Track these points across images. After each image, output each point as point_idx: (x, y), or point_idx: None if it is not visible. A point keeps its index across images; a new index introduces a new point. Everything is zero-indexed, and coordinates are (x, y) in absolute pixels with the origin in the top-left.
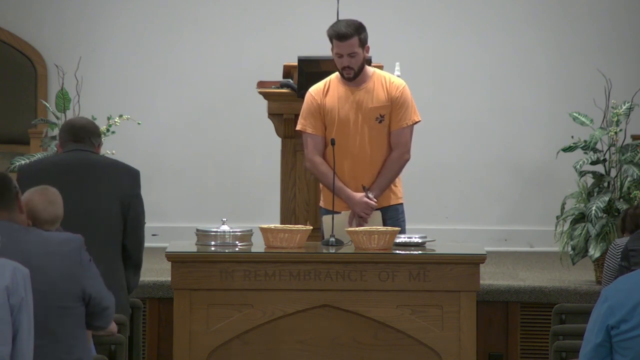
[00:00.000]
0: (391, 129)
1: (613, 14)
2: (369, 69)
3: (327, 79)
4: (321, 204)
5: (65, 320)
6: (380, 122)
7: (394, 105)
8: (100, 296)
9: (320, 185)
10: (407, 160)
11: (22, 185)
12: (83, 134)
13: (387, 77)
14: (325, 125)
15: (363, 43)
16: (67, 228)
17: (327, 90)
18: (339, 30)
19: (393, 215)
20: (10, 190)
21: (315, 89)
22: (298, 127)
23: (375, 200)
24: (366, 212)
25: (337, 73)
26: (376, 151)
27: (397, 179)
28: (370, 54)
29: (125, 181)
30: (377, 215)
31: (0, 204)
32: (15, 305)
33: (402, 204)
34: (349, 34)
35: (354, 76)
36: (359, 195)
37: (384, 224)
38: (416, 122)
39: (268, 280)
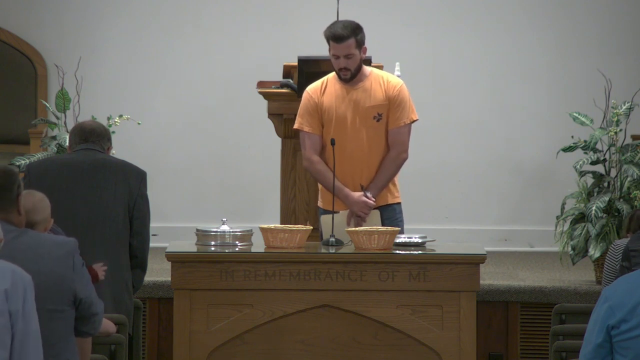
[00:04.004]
0: (389, 127)
1: (613, 14)
2: (367, 68)
3: (325, 77)
4: (319, 203)
5: (55, 323)
6: (377, 121)
7: (392, 104)
8: (90, 301)
9: (319, 185)
10: (405, 159)
11: (30, 182)
12: (93, 137)
13: (384, 77)
14: (323, 124)
15: (360, 44)
16: (74, 226)
17: (324, 88)
18: (336, 31)
19: (391, 215)
20: (9, 190)
21: (313, 88)
22: (295, 126)
23: (373, 199)
24: (364, 212)
25: (334, 72)
26: (374, 150)
27: (394, 178)
28: (371, 53)
29: (132, 181)
30: (376, 214)
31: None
32: (15, 311)
33: (399, 203)
34: (346, 35)
35: (350, 77)
36: (357, 194)
37: (382, 224)
38: (414, 121)
39: (268, 280)
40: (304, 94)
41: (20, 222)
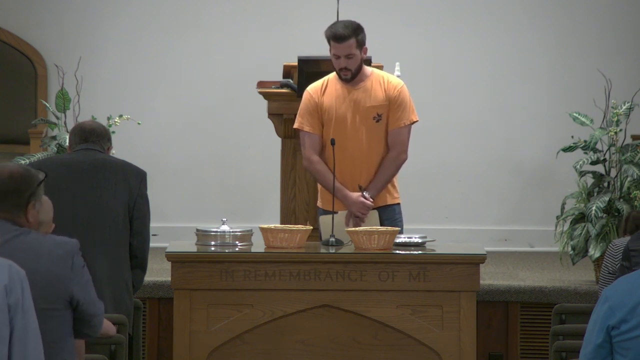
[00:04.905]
0: (389, 128)
1: (613, 14)
2: (367, 69)
3: (326, 77)
4: (319, 203)
5: (50, 322)
6: (377, 121)
7: (392, 105)
8: (88, 302)
9: (318, 185)
10: (404, 160)
11: None
12: (93, 137)
13: (385, 77)
14: (323, 123)
15: (360, 44)
16: (74, 226)
17: (325, 88)
18: (337, 31)
19: (390, 216)
20: (19, 194)
21: (313, 88)
22: (295, 125)
23: (371, 200)
24: (362, 212)
25: (335, 72)
26: (373, 150)
27: (393, 179)
28: (371, 53)
29: (132, 181)
30: (374, 215)
31: (3, 205)
32: (14, 305)
33: (399, 204)
34: (347, 35)
35: (351, 77)
36: (356, 195)
37: (381, 224)
38: (414, 122)
39: (268, 280)
40: (305, 94)
41: (27, 226)
